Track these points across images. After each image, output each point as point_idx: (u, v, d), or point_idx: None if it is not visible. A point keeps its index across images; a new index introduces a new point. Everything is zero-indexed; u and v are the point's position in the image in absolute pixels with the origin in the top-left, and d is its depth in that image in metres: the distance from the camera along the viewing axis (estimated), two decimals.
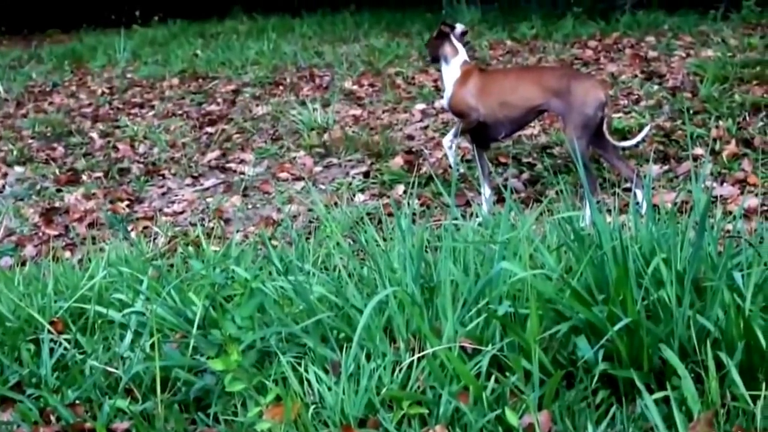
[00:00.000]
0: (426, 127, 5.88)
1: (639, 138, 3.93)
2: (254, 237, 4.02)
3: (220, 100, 7.45)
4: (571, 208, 2.98)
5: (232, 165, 5.52)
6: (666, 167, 4.47)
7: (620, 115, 5.35)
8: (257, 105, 7.02)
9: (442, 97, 5.14)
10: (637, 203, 3.74)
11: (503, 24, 9.96)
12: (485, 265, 2.67)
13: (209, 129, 6.46)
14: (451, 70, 4.13)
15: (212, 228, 4.34)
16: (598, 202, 3.84)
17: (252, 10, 13.64)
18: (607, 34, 8.58)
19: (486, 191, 4.09)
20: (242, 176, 5.23)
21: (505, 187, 3.64)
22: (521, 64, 7.54)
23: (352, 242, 3.64)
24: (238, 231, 4.24)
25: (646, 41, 8.01)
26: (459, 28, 4.19)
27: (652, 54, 7.26)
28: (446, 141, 4.13)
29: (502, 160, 4.86)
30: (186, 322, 2.77)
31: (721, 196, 3.92)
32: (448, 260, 2.62)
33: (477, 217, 3.58)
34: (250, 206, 4.76)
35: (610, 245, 2.41)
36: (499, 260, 2.57)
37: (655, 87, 6.00)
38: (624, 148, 4.24)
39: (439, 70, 4.32)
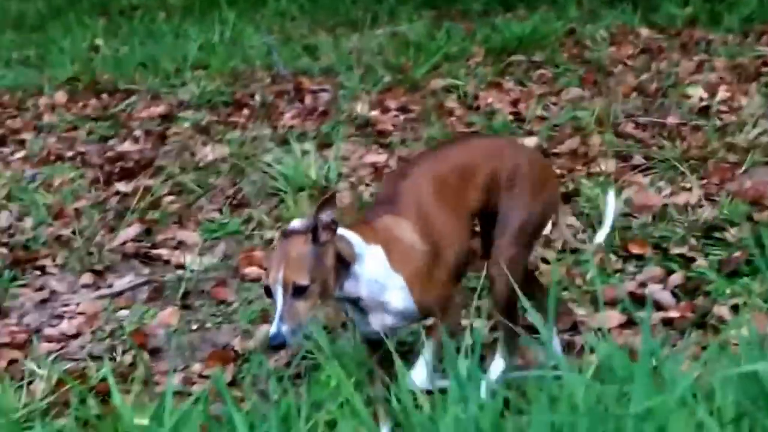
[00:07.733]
0: None
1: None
2: (204, 385, 4.02)
3: (138, 132, 7.47)
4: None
5: (163, 251, 5.55)
6: None
7: None
8: (204, 144, 7.01)
9: None
10: None
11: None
12: None
13: (121, 186, 6.48)
14: (367, 266, 3.53)
15: (129, 365, 4.37)
16: None
17: None
18: None
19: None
20: (180, 272, 5.27)
21: (643, 299, 3.64)
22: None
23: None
24: (175, 371, 4.25)
25: None
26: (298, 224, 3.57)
27: None
28: (419, 378, 3.63)
29: (635, 250, 4.89)
30: None
31: None
32: None
33: None
34: (194, 326, 4.79)
35: None
36: None
37: None
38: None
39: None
